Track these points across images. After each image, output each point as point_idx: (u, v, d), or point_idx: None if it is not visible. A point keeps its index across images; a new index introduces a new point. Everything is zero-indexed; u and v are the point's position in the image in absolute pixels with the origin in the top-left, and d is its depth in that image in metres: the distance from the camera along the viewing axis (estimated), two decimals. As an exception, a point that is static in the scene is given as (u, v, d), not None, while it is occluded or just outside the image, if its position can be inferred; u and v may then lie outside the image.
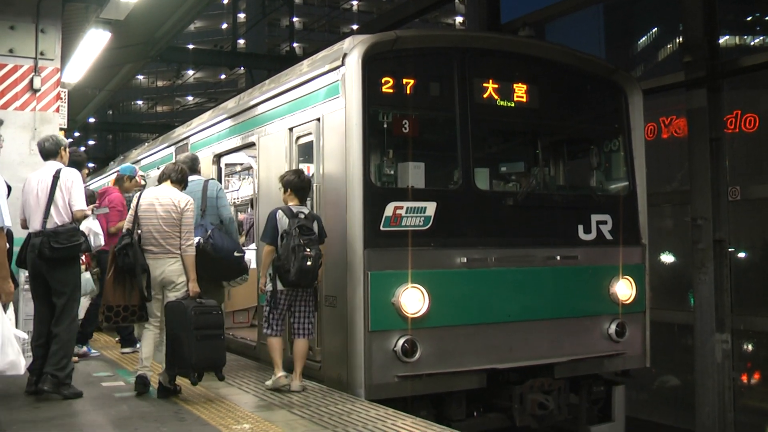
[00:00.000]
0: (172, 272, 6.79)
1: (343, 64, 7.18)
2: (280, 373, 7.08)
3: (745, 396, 14.75)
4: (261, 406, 6.43)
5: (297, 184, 7.10)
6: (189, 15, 15.71)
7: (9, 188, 6.04)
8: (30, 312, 7.01)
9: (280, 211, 6.98)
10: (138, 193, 7.15)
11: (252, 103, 9.37)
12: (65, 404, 6.45)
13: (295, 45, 25.96)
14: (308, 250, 6.67)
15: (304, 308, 7.07)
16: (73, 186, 6.78)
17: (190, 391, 6.93)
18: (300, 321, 7.06)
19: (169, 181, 7.07)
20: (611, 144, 8.88)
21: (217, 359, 6.54)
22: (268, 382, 7.23)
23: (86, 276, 8.46)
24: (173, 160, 8.17)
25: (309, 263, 6.64)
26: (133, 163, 15.00)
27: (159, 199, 6.86)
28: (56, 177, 6.75)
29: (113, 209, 8.92)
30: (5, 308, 5.49)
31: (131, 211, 6.92)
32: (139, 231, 6.81)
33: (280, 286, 6.93)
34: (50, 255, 6.54)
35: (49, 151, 7.02)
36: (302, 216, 6.90)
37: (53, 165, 6.91)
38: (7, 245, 5.71)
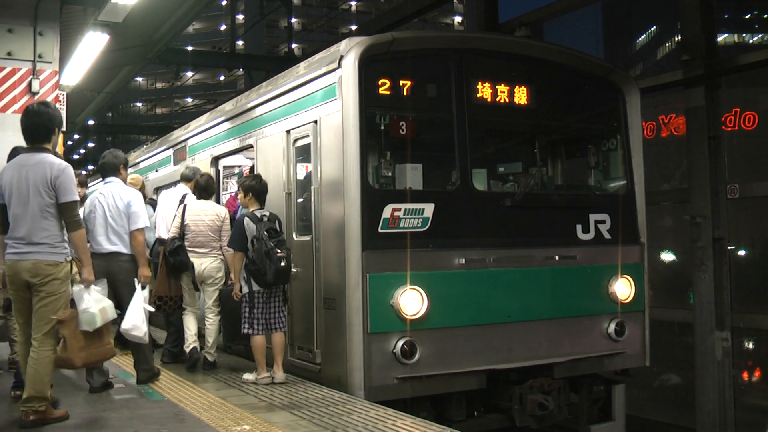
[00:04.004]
0: (212, 269, 8.29)
1: (339, 66, 7.18)
2: (265, 374, 7.40)
3: (745, 393, 14.77)
4: (261, 407, 6.44)
5: (258, 189, 7.59)
6: (187, 17, 15.72)
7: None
8: None
9: (246, 218, 7.37)
10: (183, 206, 8.49)
11: (249, 105, 9.38)
12: (66, 405, 6.46)
13: (293, 46, 25.99)
14: (280, 251, 7.13)
15: (277, 304, 7.43)
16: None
17: (190, 393, 6.96)
18: (276, 316, 7.42)
19: (202, 199, 8.50)
20: (609, 143, 8.88)
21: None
22: (249, 376, 7.48)
23: None
24: (198, 176, 8.85)
25: (283, 264, 7.15)
26: (132, 166, 15.00)
27: (203, 210, 8.35)
28: (182, 200, 8.70)
29: None
30: (143, 288, 7.04)
31: (178, 219, 8.31)
32: (184, 235, 8.18)
33: (255, 287, 7.28)
34: (173, 261, 8.17)
35: (186, 176, 9.13)
36: (266, 219, 7.34)
37: (183, 189, 8.97)
38: None
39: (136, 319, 6.85)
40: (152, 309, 7.36)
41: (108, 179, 7.49)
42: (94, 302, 5.94)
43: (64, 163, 5.82)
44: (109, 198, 7.24)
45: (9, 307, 7.46)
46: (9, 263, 5.74)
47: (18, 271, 5.68)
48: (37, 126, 5.87)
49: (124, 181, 7.71)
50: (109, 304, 6.15)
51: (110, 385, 7.26)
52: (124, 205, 7.20)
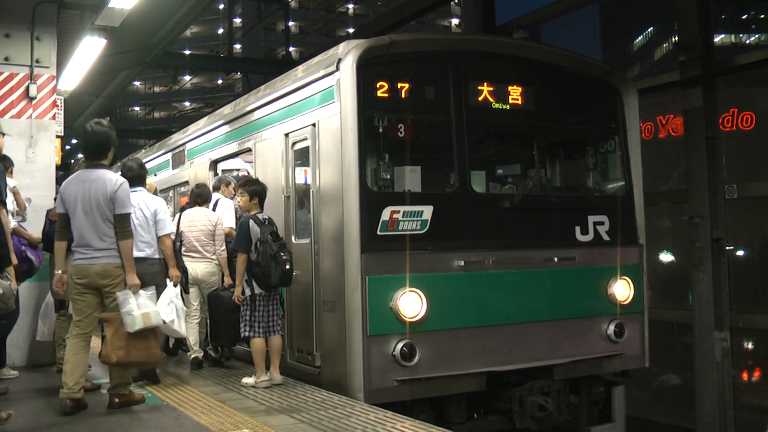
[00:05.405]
0: (207, 273, 8.65)
1: (337, 69, 7.19)
2: (264, 377, 7.42)
3: (745, 393, 14.76)
4: (260, 410, 6.44)
5: (263, 193, 7.71)
6: (185, 21, 15.67)
7: None
8: None
9: (250, 221, 7.43)
10: (178, 214, 8.92)
11: (248, 108, 9.39)
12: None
13: (291, 49, 25.88)
14: (284, 254, 7.24)
15: (274, 307, 7.50)
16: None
17: (190, 397, 6.95)
18: (273, 319, 7.48)
19: (196, 206, 8.84)
20: (607, 145, 8.89)
21: (239, 336, 7.77)
22: (248, 380, 7.50)
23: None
24: (196, 185, 9.26)
25: (288, 267, 7.24)
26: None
27: (196, 217, 8.71)
28: (215, 205, 9.12)
29: None
30: (175, 286, 7.49)
31: (174, 227, 8.31)
32: (180, 241, 8.29)
33: (257, 290, 7.34)
34: None
35: (215, 186, 9.48)
36: (267, 223, 7.42)
37: (216, 195, 9.28)
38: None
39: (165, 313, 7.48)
40: (184, 308, 7.84)
41: (134, 188, 7.64)
42: (138, 306, 6.33)
43: (122, 179, 6.52)
44: (138, 208, 7.46)
45: (61, 307, 8.03)
46: (79, 267, 6.38)
47: (89, 274, 6.34)
48: (95, 144, 6.54)
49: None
50: (154, 310, 6.49)
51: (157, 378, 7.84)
52: (151, 214, 7.49)
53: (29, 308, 8.70)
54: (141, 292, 6.42)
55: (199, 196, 8.87)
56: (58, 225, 6.54)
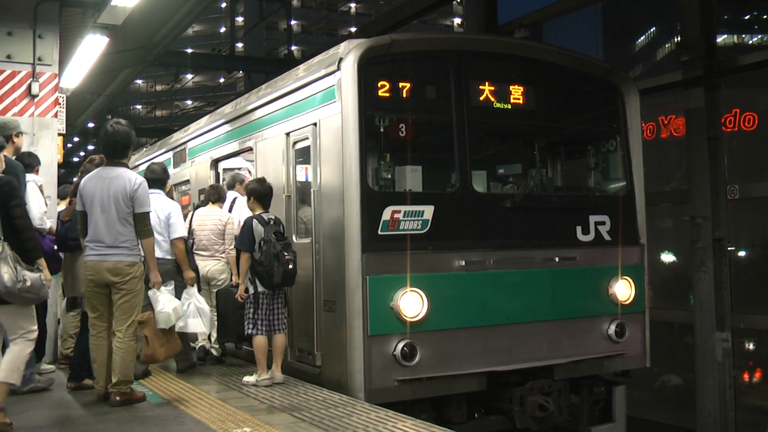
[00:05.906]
0: (216, 271, 8.76)
1: (338, 68, 7.18)
2: (265, 375, 7.43)
3: (745, 394, 14.76)
4: (261, 409, 6.44)
5: (260, 192, 7.66)
6: (187, 19, 15.70)
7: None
8: None
9: (254, 220, 7.45)
10: (191, 213, 9.08)
11: (249, 108, 9.39)
12: (66, 407, 6.48)
13: (293, 48, 25.91)
14: (287, 254, 7.23)
15: (279, 305, 7.51)
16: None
17: (191, 395, 6.96)
18: (278, 318, 7.50)
19: (210, 203, 8.97)
20: (608, 144, 8.88)
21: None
22: (249, 378, 7.50)
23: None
24: (211, 184, 9.54)
25: (291, 266, 7.25)
26: (132, 169, 15.01)
27: (207, 216, 8.85)
28: (233, 203, 9.22)
29: None
30: (192, 286, 7.59)
31: (186, 225, 8.46)
32: (191, 240, 8.51)
33: (260, 288, 7.37)
34: None
35: (229, 184, 9.52)
36: (272, 222, 7.43)
37: (232, 194, 9.32)
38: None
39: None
40: (202, 306, 7.82)
41: (153, 191, 7.57)
42: (167, 303, 6.65)
43: (141, 178, 6.61)
44: (153, 210, 7.44)
45: (73, 305, 8.14)
46: (91, 264, 6.47)
47: (100, 270, 6.41)
48: (116, 143, 6.69)
49: (167, 193, 8.18)
50: (179, 303, 6.87)
51: (195, 365, 8.24)
52: (165, 217, 7.70)
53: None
54: (162, 288, 6.69)
55: (212, 194, 9.01)
56: (79, 223, 6.64)
